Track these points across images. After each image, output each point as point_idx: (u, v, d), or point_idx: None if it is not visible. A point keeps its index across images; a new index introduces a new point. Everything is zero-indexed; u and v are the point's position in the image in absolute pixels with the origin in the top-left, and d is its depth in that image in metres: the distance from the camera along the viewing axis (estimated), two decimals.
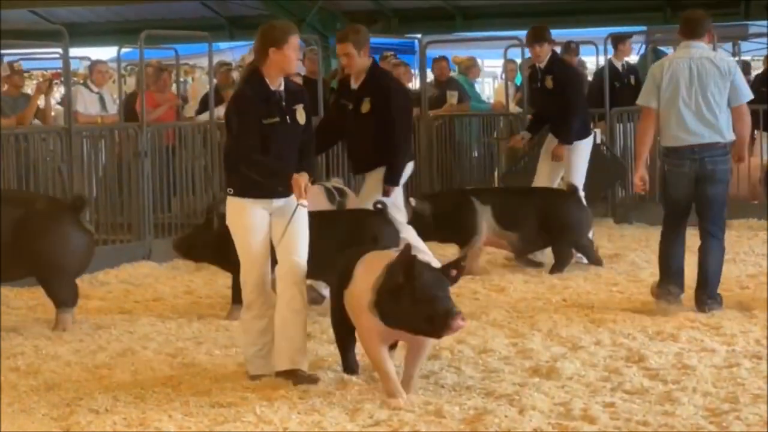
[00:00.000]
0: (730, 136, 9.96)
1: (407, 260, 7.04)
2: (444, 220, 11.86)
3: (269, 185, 7.69)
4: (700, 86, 9.89)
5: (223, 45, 23.43)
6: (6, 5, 21.82)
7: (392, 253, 7.46)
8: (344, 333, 7.84)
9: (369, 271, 7.33)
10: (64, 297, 9.85)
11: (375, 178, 10.55)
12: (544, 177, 12.98)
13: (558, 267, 11.92)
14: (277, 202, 7.74)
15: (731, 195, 15.56)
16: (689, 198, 9.99)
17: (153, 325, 9.83)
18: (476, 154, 16.13)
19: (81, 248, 10.06)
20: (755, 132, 16.34)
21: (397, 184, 10.54)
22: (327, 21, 23.68)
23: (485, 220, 11.85)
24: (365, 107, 10.45)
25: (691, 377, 7.76)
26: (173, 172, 14.14)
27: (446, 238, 12.03)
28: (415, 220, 11.65)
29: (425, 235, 11.58)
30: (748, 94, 10.18)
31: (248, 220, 7.68)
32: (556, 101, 12.83)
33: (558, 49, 17.71)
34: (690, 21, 10.28)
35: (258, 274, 7.73)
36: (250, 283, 7.75)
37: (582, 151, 12.98)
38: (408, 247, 7.15)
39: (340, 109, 10.86)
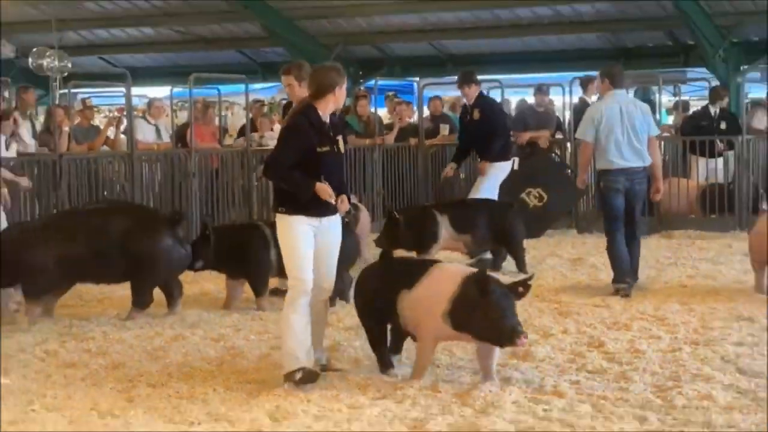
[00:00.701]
0: (648, 161, 10.68)
1: (484, 278, 6.86)
2: (412, 228, 11.83)
3: (316, 206, 7.22)
4: (629, 123, 10.61)
5: (256, 86, 23.40)
6: (79, 52, 21.85)
7: (460, 268, 7.42)
8: (379, 333, 7.54)
9: (437, 282, 7.10)
10: (145, 300, 9.79)
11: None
12: (476, 192, 13.01)
13: (520, 265, 11.89)
14: (323, 222, 7.31)
15: (673, 211, 15.73)
16: (621, 207, 10.60)
17: (200, 316, 9.82)
18: (462, 175, 16.11)
19: (176, 258, 9.89)
20: (693, 157, 16.41)
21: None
22: (343, 65, 23.55)
23: (444, 227, 11.83)
24: None
25: (642, 359, 7.75)
26: (216, 189, 14.16)
27: (415, 243, 11.96)
28: (389, 229, 11.74)
29: (398, 243, 11.67)
30: (657, 129, 11.35)
31: (297, 235, 7.22)
32: (482, 128, 12.88)
33: (531, 90, 17.86)
34: (614, 75, 10.94)
35: (304, 280, 7.18)
36: (297, 288, 7.19)
37: (499, 171, 13.04)
38: (483, 264, 7.01)
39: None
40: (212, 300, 10.55)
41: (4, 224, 10.38)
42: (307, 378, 7.04)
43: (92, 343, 8.68)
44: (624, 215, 10.65)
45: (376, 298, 7.45)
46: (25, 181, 11.47)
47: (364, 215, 13.27)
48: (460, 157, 13.77)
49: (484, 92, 14.83)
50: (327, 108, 7.33)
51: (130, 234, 9.64)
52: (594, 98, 17.44)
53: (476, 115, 12.93)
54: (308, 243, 7.21)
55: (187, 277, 12.02)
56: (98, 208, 10.59)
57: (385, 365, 7.45)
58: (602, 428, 6.06)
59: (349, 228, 10.82)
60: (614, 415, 6.31)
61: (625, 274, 10.53)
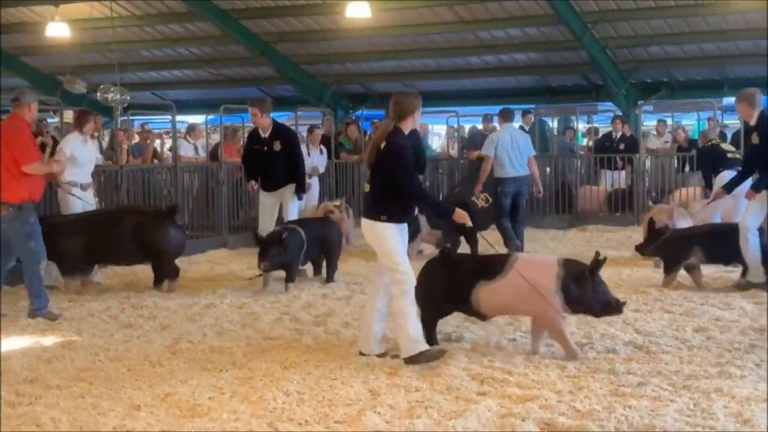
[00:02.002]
0: (528, 172, 12.11)
1: (598, 262, 6.51)
2: None
3: (406, 213, 6.63)
4: (518, 146, 12.00)
5: (272, 115, 23.34)
6: (136, 88, 21.78)
7: (543, 257, 7.35)
8: (434, 318, 6.91)
9: (531, 269, 6.55)
10: (169, 273, 9.72)
11: (289, 190, 10.51)
12: None
13: (474, 252, 11.81)
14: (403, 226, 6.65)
15: (587, 210, 15.77)
16: (509, 204, 11.97)
17: (227, 288, 9.77)
18: (428, 183, 16.09)
19: (177, 238, 9.82)
20: (601, 170, 16.47)
21: (304, 191, 10.88)
22: (337, 99, 23.65)
23: (422, 224, 11.78)
24: (277, 146, 10.35)
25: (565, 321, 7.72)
26: (240, 194, 14.12)
27: None
28: None
29: None
30: (534, 151, 12.51)
31: (397, 238, 6.51)
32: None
33: (480, 119, 17.84)
34: (506, 114, 12.45)
35: (411, 273, 6.50)
36: (408, 281, 6.47)
37: None
38: (597, 253, 6.76)
39: (253, 150, 10.61)
40: (237, 277, 10.51)
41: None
42: (432, 356, 6.37)
43: (145, 309, 8.63)
44: (511, 209, 11.96)
45: (444, 288, 6.82)
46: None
47: (351, 214, 13.34)
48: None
49: (444, 120, 14.90)
50: (407, 128, 6.67)
51: (140, 226, 9.55)
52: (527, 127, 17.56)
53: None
54: (403, 244, 6.61)
55: (217, 260, 12.09)
56: (115, 209, 10.51)
57: (431, 341, 6.73)
58: (533, 375, 6.05)
59: (334, 224, 10.81)
60: (542, 365, 6.31)
61: (513, 238, 11.75)
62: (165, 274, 9.73)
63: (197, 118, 19.46)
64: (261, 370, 6.28)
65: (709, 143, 12.76)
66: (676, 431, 4.78)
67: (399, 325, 6.48)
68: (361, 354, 6.62)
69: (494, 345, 6.97)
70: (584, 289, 6.49)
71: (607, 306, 6.56)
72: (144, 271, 10.91)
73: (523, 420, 5.04)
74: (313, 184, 13.60)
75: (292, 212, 10.63)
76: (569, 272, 6.51)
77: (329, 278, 10.10)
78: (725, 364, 6.18)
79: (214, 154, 15.23)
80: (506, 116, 12.41)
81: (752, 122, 9.17)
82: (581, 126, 21.10)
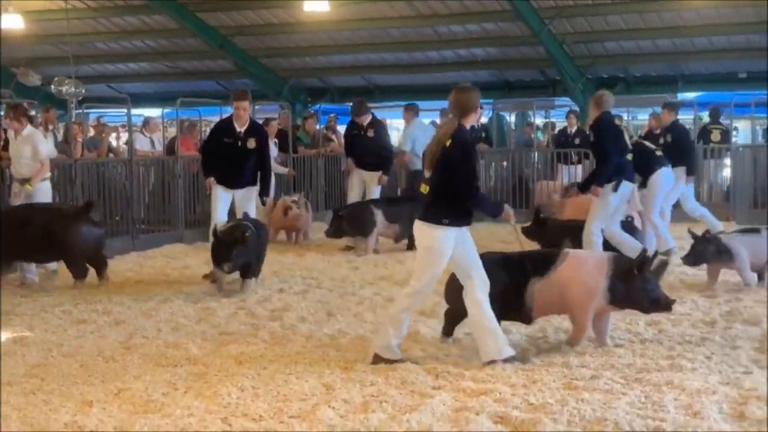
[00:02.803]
0: None
1: (645, 259, 6.52)
2: (354, 220, 11.80)
3: (469, 215, 6.32)
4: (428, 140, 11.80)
5: (229, 108, 23.22)
6: (91, 81, 21.54)
7: (592, 253, 7.06)
8: (457, 310, 6.68)
9: (580, 266, 6.53)
10: (78, 272, 9.46)
11: (252, 191, 9.97)
12: (355, 196, 12.79)
13: None
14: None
15: (544, 202, 15.83)
16: None
17: (183, 284, 9.73)
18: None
19: (90, 235, 9.48)
20: (558, 165, 16.55)
21: (269, 195, 10.52)
22: (295, 93, 23.59)
23: (378, 219, 11.80)
24: (251, 143, 9.82)
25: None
26: (197, 187, 14.03)
27: (355, 232, 11.93)
28: (336, 223, 11.71)
29: (342, 232, 11.70)
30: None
31: (450, 246, 6.21)
32: (375, 145, 12.63)
33: (438, 113, 17.88)
34: (414, 108, 12.98)
35: (486, 279, 6.32)
36: (484, 287, 6.28)
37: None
38: (644, 249, 6.60)
39: (224, 144, 9.88)
40: (193, 272, 10.44)
41: None
42: (513, 359, 6.17)
43: (99, 305, 8.54)
44: None
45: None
46: None
47: (309, 208, 13.33)
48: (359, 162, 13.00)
49: (402, 115, 14.91)
50: (469, 125, 6.37)
51: (51, 224, 9.25)
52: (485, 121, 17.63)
53: (370, 134, 12.65)
54: (472, 246, 6.36)
55: (173, 255, 12.01)
56: (27, 206, 9.98)
57: (447, 333, 6.84)
58: (488, 368, 6.04)
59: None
60: None
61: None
62: (77, 272, 9.48)
63: (153, 112, 19.29)
64: (216, 366, 6.25)
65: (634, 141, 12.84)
66: (627, 423, 4.82)
67: (479, 331, 6.21)
68: (380, 360, 6.23)
69: (450, 339, 6.98)
70: (632, 286, 6.49)
71: (657, 303, 6.58)
72: None
73: (477, 414, 5.06)
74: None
75: (248, 206, 10.02)
76: (618, 269, 6.52)
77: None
78: (676, 357, 6.25)
79: (170, 147, 15.11)
80: (415, 111, 12.67)
81: (590, 122, 9.65)
82: (539, 121, 21.24)
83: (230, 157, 9.88)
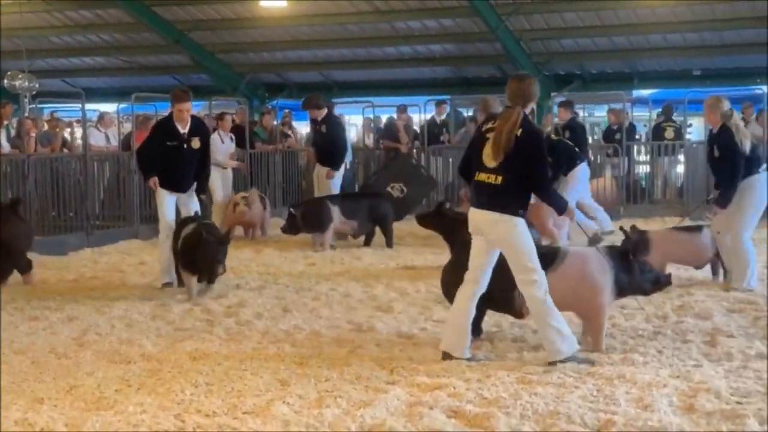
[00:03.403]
0: None
1: (636, 242, 6.65)
2: (310, 217, 11.80)
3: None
4: None
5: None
6: (45, 76, 21.30)
7: (587, 248, 6.79)
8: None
9: (585, 263, 6.35)
10: (20, 266, 9.36)
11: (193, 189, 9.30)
12: (325, 191, 12.66)
13: (389, 241, 11.91)
14: None
15: None
16: None
17: (139, 279, 9.70)
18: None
19: (19, 232, 9.29)
20: None
21: (205, 192, 9.94)
22: (252, 89, 23.51)
23: (335, 214, 11.79)
24: (196, 144, 9.10)
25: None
26: None
27: (311, 228, 11.93)
28: (290, 219, 11.70)
29: (297, 228, 11.69)
30: None
31: (529, 236, 6.03)
32: (327, 140, 12.66)
33: (394, 109, 17.91)
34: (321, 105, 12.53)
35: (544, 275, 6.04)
36: (545, 284, 5.98)
37: (336, 175, 12.79)
38: (634, 229, 6.56)
39: (166, 147, 9.06)
40: (149, 268, 10.38)
41: None
42: (585, 360, 6.02)
43: (52, 301, 8.47)
44: None
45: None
46: None
47: (267, 204, 13.31)
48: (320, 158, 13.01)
49: (360, 111, 15.00)
50: (528, 110, 6.10)
51: None
52: (442, 117, 17.70)
53: (324, 129, 12.64)
54: None
55: (129, 251, 11.92)
56: None
57: (475, 330, 6.44)
58: (442, 363, 6.07)
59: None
60: None
61: None
62: (6, 269, 9.31)
63: (109, 107, 19.13)
64: (170, 362, 6.22)
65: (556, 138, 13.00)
66: (579, 417, 4.87)
67: (547, 329, 5.96)
68: (449, 357, 6.10)
69: (405, 334, 7.00)
70: (632, 273, 6.50)
71: (657, 283, 6.64)
72: (53, 262, 10.76)
73: (431, 408, 5.08)
74: (228, 173, 13.47)
75: (196, 206, 9.38)
76: (617, 260, 6.50)
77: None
78: (629, 351, 6.32)
79: (126, 143, 15.00)
80: (323, 106, 12.74)
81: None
82: None
83: (175, 161, 9.10)
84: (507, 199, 5.94)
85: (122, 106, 16.79)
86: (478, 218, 6.05)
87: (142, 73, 24.18)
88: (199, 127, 9.31)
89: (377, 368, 5.98)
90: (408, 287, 9.05)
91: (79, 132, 18.42)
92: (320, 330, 7.18)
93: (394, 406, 5.15)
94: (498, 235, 5.98)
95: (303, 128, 21.95)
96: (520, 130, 5.92)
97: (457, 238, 7.99)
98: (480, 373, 5.84)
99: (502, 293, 6.24)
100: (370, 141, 18.71)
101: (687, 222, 9.39)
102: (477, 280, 6.13)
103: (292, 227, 11.72)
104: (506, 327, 7.17)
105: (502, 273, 6.09)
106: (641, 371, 5.78)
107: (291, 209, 11.91)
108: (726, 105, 8.78)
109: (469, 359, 6.11)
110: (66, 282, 9.52)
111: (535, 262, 5.96)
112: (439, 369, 5.93)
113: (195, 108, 20.23)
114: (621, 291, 6.51)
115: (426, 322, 7.44)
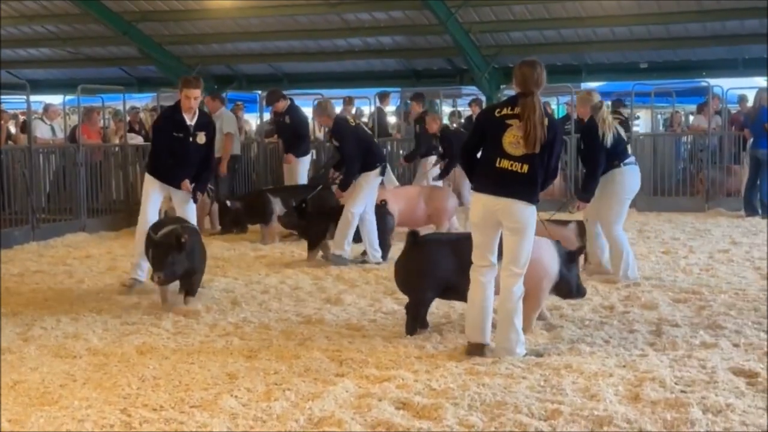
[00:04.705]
0: None
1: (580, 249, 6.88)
2: (251, 209, 11.76)
3: None
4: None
5: (133, 95, 22.84)
6: None
7: (542, 239, 6.65)
8: (430, 296, 6.67)
9: (539, 248, 6.40)
10: None
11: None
12: (293, 180, 13.03)
13: (334, 235, 11.82)
14: None
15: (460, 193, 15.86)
16: None
17: (85, 273, 9.57)
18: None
19: None
20: None
21: (204, 193, 9.34)
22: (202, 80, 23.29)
23: (276, 206, 11.73)
24: (201, 138, 8.51)
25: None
26: (100, 176, 13.78)
27: (253, 221, 11.93)
28: (227, 213, 11.70)
29: (237, 222, 11.67)
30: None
31: None
32: (289, 131, 12.97)
33: (341, 101, 17.88)
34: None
35: None
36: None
37: (302, 164, 13.15)
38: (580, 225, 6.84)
39: (173, 139, 8.45)
40: (95, 261, 10.27)
41: None
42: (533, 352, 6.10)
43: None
44: None
45: (435, 273, 6.51)
46: None
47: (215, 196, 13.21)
48: (286, 147, 13.34)
49: (310, 103, 14.98)
50: None
51: None
52: (389, 108, 17.74)
53: (287, 120, 12.98)
54: None
55: (75, 244, 11.77)
56: None
57: (414, 329, 6.63)
58: (391, 355, 6.09)
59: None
60: (400, 345, 6.34)
61: None
62: None
63: (55, 99, 18.85)
64: (116, 356, 6.15)
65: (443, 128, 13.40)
66: (526, 407, 4.90)
67: (513, 321, 5.95)
68: (476, 346, 6.04)
69: (355, 326, 7.00)
70: (571, 272, 6.62)
71: (578, 289, 6.74)
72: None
73: (379, 400, 5.08)
74: None
75: (191, 214, 8.55)
76: (564, 257, 6.62)
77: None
78: (576, 341, 6.38)
79: (73, 135, 14.80)
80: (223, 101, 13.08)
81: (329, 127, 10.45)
82: (446, 109, 21.39)
83: (179, 154, 8.42)
84: (532, 188, 5.91)
85: (69, 98, 16.56)
86: (497, 206, 5.92)
87: (89, 64, 23.83)
88: (206, 122, 8.66)
89: (326, 360, 5.97)
90: (357, 279, 9.06)
91: (23, 124, 18.14)
92: (269, 323, 7.15)
93: (343, 399, 5.15)
94: (521, 224, 5.89)
95: (252, 120, 21.89)
96: (546, 119, 5.91)
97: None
98: (428, 364, 5.86)
99: (465, 284, 6.20)
100: (320, 133, 18.63)
101: (557, 216, 9.43)
102: (490, 263, 6.03)
103: (233, 220, 11.74)
104: (455, 318, 7.19)
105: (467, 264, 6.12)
106: (588, 361, 5.83)
107: (227, 202, 11.87)
108: (596, 98, 9.00)
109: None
110: (11, 276, 9.37)
111: (528, 251, 5.93)
112: (387, 361, 5.94)
113: (144, 99, 20.14)
114: (558, 284, 6.62)
115: (375, 314, 7.43)
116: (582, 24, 19.35)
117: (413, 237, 6.75)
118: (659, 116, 21.57)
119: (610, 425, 4.65)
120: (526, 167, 5.86)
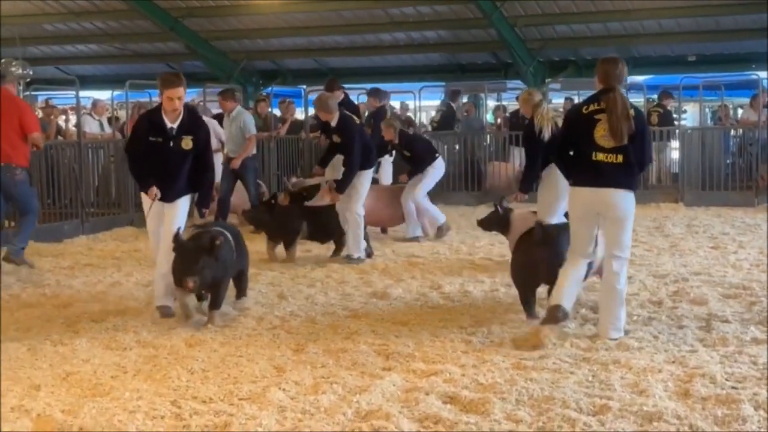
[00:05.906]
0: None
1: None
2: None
3: None
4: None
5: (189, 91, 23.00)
6: (39, 63, 21.21)
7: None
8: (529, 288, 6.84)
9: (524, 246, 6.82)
10: None
11: (186, 200, 7.58)
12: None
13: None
14: None
15: (496, 186, 15.83)
16: None
17: (134, 266, 9.67)
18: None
19: None
20: (511, 147, 16.56)
21: (208, 206, 8.79)
22: (247, 75, 23.44)
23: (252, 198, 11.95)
24: (187, 144, 7.32)
25: (468, 297, 7.85)
26: None
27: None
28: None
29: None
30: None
31: None
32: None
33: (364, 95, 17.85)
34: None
35: None
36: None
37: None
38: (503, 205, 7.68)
39: (150, 143, 7.31)
40: (143, 254, 10.37)
41: None
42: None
43: (48, 288, 8.47)
44: None
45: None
46: None
47: (264, 191, 13.27)
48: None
49: (355, 98, 15.02)
50: None
51: None
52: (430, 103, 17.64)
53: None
54: None
55: (123, 237, 11.91)
56: None
57: (530, 314, 6.79)
58: (438, 349, 6.10)
59: None
60: (447, 339, 6.35)
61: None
62: None
63: (103, 94, 19.05)
64: (166, 348, 6.21)
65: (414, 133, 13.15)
66: (575, 402, 4.87)
67: (622, 302, 6.32)
68: (555, 308, 6.19)
69: (401, 320, 7.01)
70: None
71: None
72: (48, 250, 10.74)
73: (426, 394, 5.08)
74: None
75: (180, 220, 7.41)
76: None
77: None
78: (624, 337, 6.33)
79: (120, 129, 14.97)
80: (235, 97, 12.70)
81: (333, 123, 9.79)
82: (491, 103, 21.32)
83: (159, 162, 7.33)
84: (629, 177, 6.22)
85: (116, 93, 16.75)
86: (597, 197, 6.23)
87: (136, 60, 24.10)
88: (193, 124, 7.42)
89: (373, 354, 5.98)
90: (403, 274, 9.06)
91: (73, 119, 18.37)
92: (316, 316, 7.18)
93: (390, 392, 5.16)
94: (622, 212, 6.21)
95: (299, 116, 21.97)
96: (632, 110, 6.18)
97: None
98: (476, 359, 5.85)
99: None
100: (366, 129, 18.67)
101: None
102: (588, 254, 6.37)
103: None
104: (500, 312, 7.18)
105: None
106: (636, 356, 5.79)
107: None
108: (537, 97, 9.09)
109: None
110: (61, 269, 9.50)
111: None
112: (434, 355, 5.94)
113: (189, 95, 20.33)
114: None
115: (422, 309, 7.44)
116: (628, 17, 19.18)
117: (542, 228, 6.80)
118: (707, 109, 21.30)
119: (660, 421, 4.61)
120: (621, 157, 6.18)
